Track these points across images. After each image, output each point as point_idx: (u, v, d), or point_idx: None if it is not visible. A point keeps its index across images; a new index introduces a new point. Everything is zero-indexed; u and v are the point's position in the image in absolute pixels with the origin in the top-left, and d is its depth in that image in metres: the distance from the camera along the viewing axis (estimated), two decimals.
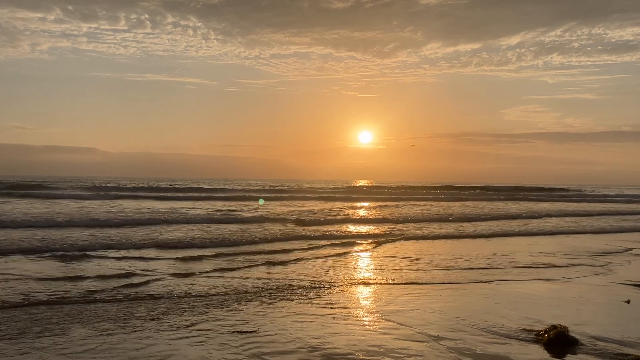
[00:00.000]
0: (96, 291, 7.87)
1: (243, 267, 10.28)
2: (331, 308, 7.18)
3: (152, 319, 6.44)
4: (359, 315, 6.84)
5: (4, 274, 8.92)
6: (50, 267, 9.78)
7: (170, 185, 69.58)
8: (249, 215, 21.78)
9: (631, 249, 14.61)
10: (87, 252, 11.17)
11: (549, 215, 27.66)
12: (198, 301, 7.44)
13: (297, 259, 11.46)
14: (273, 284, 8.80)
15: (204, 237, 14.26)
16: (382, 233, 16.82)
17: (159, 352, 5.28)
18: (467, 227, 20.29)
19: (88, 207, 22.99)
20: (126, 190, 41.38)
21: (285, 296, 7.89)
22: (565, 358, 5.31)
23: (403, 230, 18.18)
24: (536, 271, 10.67)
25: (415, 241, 15.44)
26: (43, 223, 15.72)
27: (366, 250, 13.39)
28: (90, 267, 9.88)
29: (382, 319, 6.67)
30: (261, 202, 26.24)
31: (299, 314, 6.82)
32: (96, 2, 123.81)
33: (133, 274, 9.16)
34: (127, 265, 10.13)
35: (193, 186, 60.31)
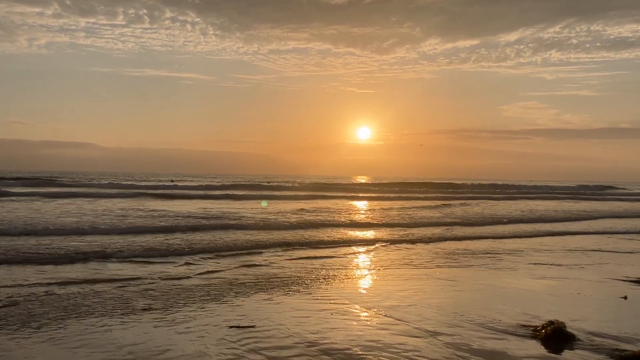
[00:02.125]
0: (93, 291, 7.89)
1: (243, 266, 10.32)
2: (329, 303, 7.19)
3: (146, 309, 6.45)
4: (356, 311, 6.85)
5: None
6: (61, 270, 9.79)
7: (172, 181, 69.52)
8: (251, 216, 21.82)
9: None
10: (86, 257, 11.16)
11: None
12: (196, 297, 7.45)
13: (296, 258, 11.49)
14: (270, 280, 8.81)
15: (211, 241, 14.26)
16: (381, 237, 16.74)
17: (157, 347, 5.28)
18: (470, 229, 20.31)
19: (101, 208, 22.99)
20: (136, 188, 40.37)
21: (283, 292, 7.90)
22: (562, 354, 5.32)
23: (403, 230, 18.22)
24: (535, 268, 10.69)
25: (414, 243, 15.45)
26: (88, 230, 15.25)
27: (364, 249, 13.42)
28: (84, 270, 9.90)
29: (380, 314, 6.68)
30: (264, 204, 26.17)
31: (296, 310, 6.83)
32: None
33: (138, 278, 9.15)
34: (129, 268, 10.16)
35: (194, 183, 60.27)
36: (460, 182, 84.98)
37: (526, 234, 17.23)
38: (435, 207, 28.44)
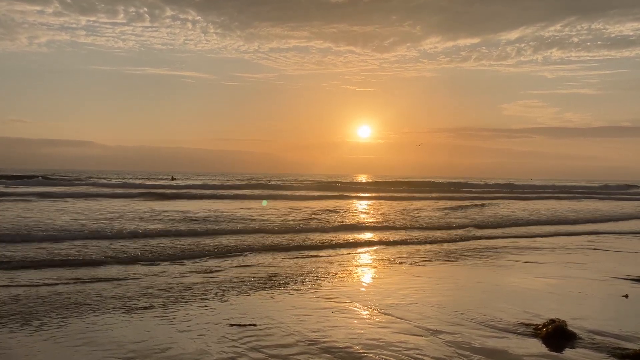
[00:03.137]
0: (94, 290, 7.90)
1: (244, 265, 10.32)
2: (330, 302, 7.19)
3: (147, 308, 6.46)
4: (357, 309, 6.85)
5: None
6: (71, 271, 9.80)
7: (172, 179, 69.69)
8: (253, 217, 21.83)
9: None
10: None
11: None
12: (197, 295, 7.45)
13: (297, 257, 11.49)
14: (271, 278, 8.81)
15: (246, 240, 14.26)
16: (383, 237, 16.64)
17: (158, 345, 5.28)
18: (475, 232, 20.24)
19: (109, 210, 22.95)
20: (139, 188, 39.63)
21: (284, 290, 7.90)
22: (563, 352, 5.32)
23: (405, 234, 18.21)
24: (536, 267, 10.69)
25: (417, 244, 15.44)
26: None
27: (365, 249, 13.43)
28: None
29: (381, 312, 6.68)
30: (264, 203, 25.91)
31: (297, 308, 6.83)
32: None
33: (139, 277, 9.16)
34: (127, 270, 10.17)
35: (194, 182, 60.22)
36: (468, 181, 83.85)
37: (526, 234, 17.22)
38: (435, 206, 28.32)
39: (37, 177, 50.75)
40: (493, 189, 58.86)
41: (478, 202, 32.65)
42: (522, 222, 20.95)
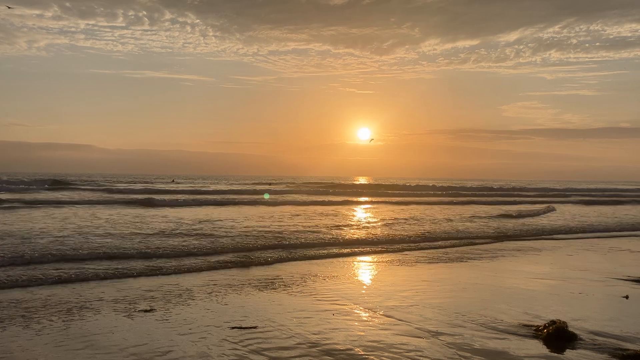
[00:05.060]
0: (95, 294, 7.91)
1: (245, 267, 10.33)
2: (330, 304, 7.19)
3: (147, 311, 6.46)
4: (358, 311, 6.85)
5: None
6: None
7: (173, 180, 70.03)
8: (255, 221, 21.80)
9: None
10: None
11: None
12: (198, 298, 7.45)
13: (298, 260, 11.49)
14: (272, 281, 8.82)
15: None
16: (385, 240, 16.63)
17: (159, 348, 5.29)
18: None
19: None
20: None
21: (285, 292, 7.91)
22: (564, 353, 5.32)
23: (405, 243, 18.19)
24: (536, 268, 10.69)
25: (418, 249, 15.44)
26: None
27: (365, 251, 13.44)
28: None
29: (382, 314, 6.68)
30: (266, 196, 25.80)
31: (298, 310, 6.83)
32: None
33: (140, 280, 9.18)
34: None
35: (195, 185, 60.25)
36: (493, 183, 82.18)
37: (527, 236, 17.23)
38: (437, 210, 28.27)
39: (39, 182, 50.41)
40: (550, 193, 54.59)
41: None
42: None
